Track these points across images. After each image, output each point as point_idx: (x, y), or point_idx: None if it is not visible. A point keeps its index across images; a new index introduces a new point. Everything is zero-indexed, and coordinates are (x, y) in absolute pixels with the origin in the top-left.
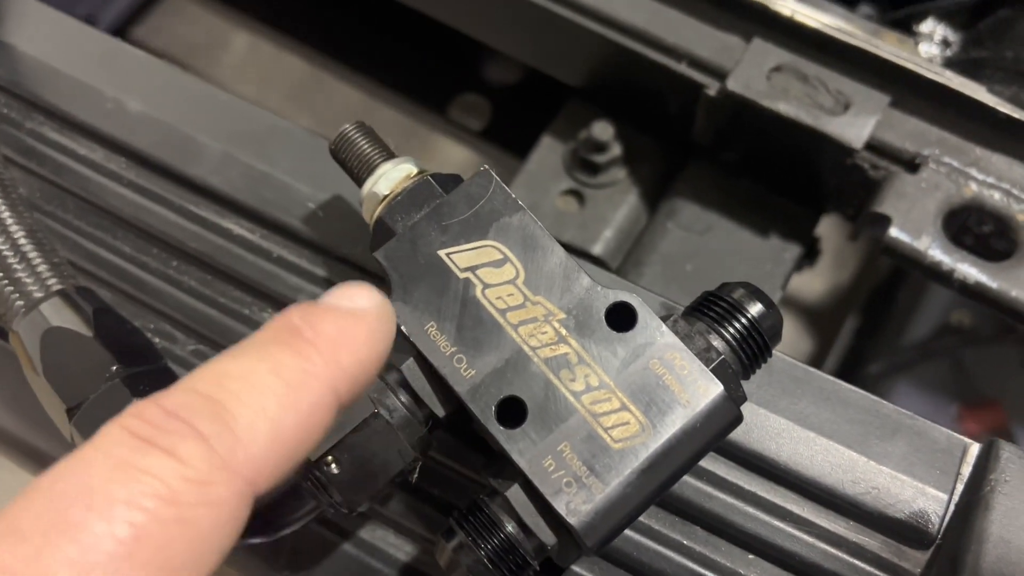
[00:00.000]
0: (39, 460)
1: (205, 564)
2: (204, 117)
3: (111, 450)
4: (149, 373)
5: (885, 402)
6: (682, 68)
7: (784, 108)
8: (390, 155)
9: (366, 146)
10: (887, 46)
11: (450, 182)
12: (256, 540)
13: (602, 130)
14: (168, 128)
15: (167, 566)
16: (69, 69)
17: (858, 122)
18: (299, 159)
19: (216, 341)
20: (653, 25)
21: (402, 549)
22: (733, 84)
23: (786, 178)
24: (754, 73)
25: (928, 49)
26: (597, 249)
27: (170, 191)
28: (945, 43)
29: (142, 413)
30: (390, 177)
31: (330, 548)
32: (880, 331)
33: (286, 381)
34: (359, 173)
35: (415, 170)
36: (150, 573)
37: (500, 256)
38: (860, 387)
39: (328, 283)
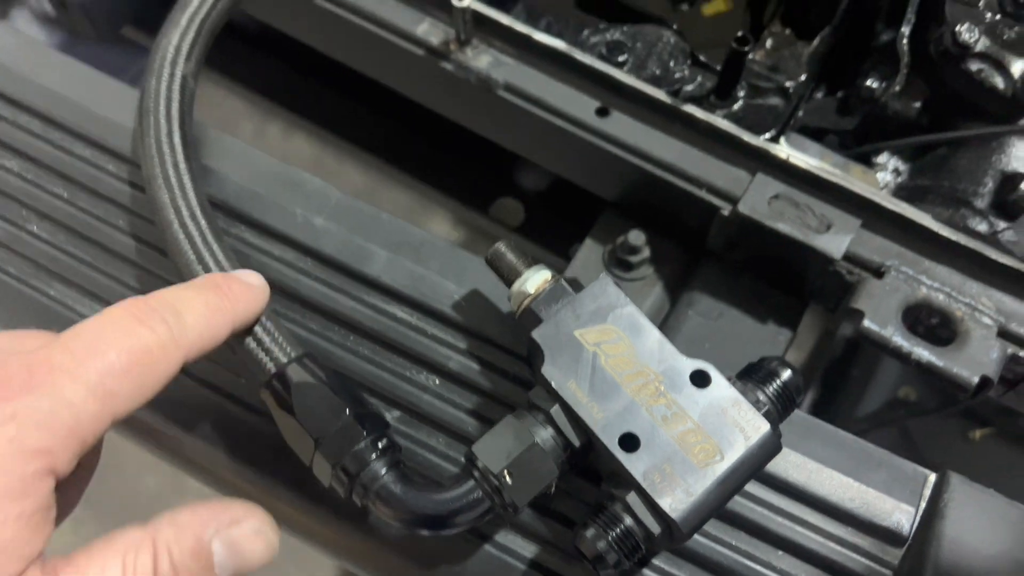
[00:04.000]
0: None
1: (152, 390)
2: (373, 230)
3: (119, 318)
4: (367, 413)
5: (870, 444)
6: (702, 194)
7: (782, 227)
8: (529, 263)
9: (512, 257)
10: (857, 181)
11: (574, 283)
12: (444, 532)
13: (636, 237)
14: (346, 237)
15: (141, 382)
16: (266, 191)
17: (837, 239)
18: (445, 262)
19: (387, 396)
20: (680, 160)
21: (527, 549)
22: (743, 208)
23: (781, 276)
24: (758, 200)
25: (884, 176)
26: None
27: (348, 284)
28: (897, 172)
29: (137, 304)
30: (534, 280)
31: (473, 549)
32: (835, 403)
33: (210, 306)
34: (508, 276)
35: (550, 275)
36: (132, 380)
37: (616, 335)
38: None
39: (470, 355)
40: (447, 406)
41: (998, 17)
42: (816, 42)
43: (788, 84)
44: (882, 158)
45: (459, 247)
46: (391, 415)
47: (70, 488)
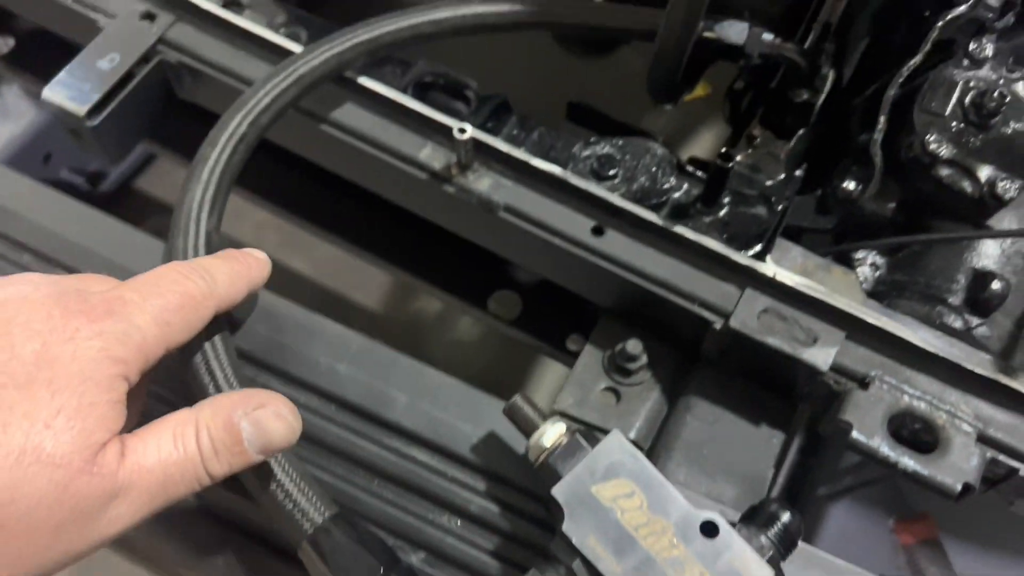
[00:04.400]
0: None
1: (195, 327)
2: (392, 375)
3: (169, 272)
4: (401, 569)
5: (855, 567)
6: (695, 308)
7: (771, 341)
8: (544, 416)
9: (529, 411)
10: (840, 297)
11: (589, 436)
12: None
13: (634, 347)
14: (368, 383)
15: (188, 319)
16: (290, 341)
17: (824, 352)
18: (462, 405)
19: (411, 538)
20: (673, 277)
21: None
22: (734, 323)
23: (772, 382)
24: (748, 314)
25: (863, 271)
26: (632, 435)
27: (370, 429)
28: (875, 266)
29: (182, 264)
30: (550, 435)
31: None
32: (823, 458)
33: (233, 271)
34: (526, 428)
35: (564, 428)
36: (182, 317)
37: (630, 489)
38: (810, 507)
39: (489, 496)
40: (469, 548)
41: (963, 126)
42: (793, 142)
43: (769, 183)
44: (861, 253)
45: (473, 387)
46: (416, 556)
47: (130, 404)
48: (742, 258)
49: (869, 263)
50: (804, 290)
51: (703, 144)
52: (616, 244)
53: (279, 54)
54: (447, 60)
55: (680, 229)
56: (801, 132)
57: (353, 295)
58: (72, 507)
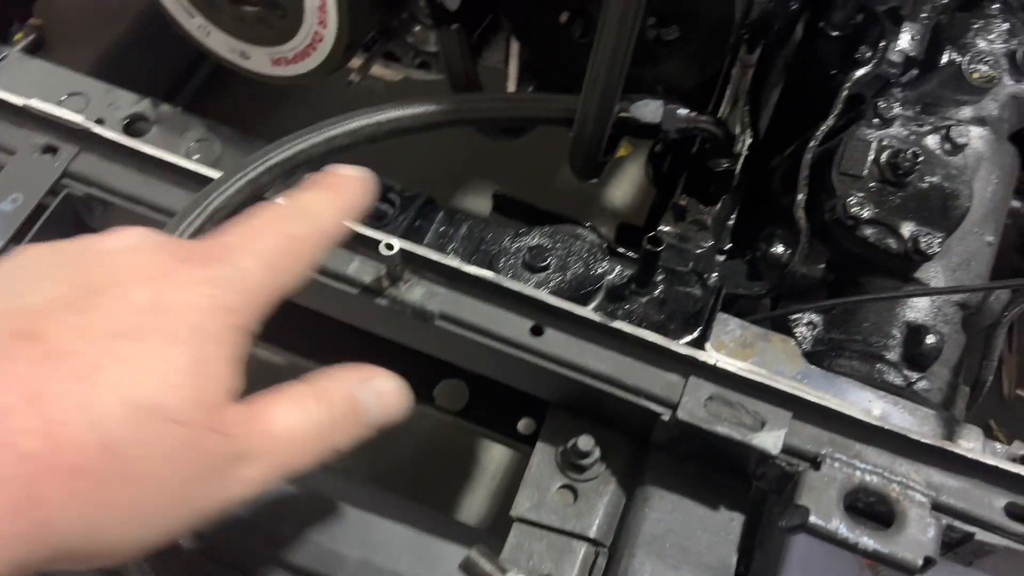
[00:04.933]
0: None
1: (304, 269)
2: (341, 533)
3: (269, 213)
4: None
5: None
6: (641, 401)
7: (720, 429)
8: (504, 570)
9: (486, 565)
10: (783, 379)
11: None
12: None
13: (585, 442)
14: (316, 543)
15: (296, 260)
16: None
17: (773, 435)
18: (416, 556)
19: None
20: (616, 372)
21: None
22: (681, 414)
23: (725, 466)
24: (694, 404)
25: (801, 331)
26: (593, 534)
27: None
28: (812, 325)
29: (280, 206)
30: None
31: None
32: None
33: (333, 205)
34: None
35: None
36: (291, 258)
37: None
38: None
39: None
40: None
41: (881, 185)
42: (719, 207)
43: (699, 251)
44: (797, 314)
45: (427, 535)
46: None
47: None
48: (682, 348)
49: (806, 323)
50: (747, 375)
51: (631, 201)
52: (556, 343)
53: (190, 178)
54: (368, 159)
55: (619, 324)
56: (725, 198)
57: None
58: (199, 464)
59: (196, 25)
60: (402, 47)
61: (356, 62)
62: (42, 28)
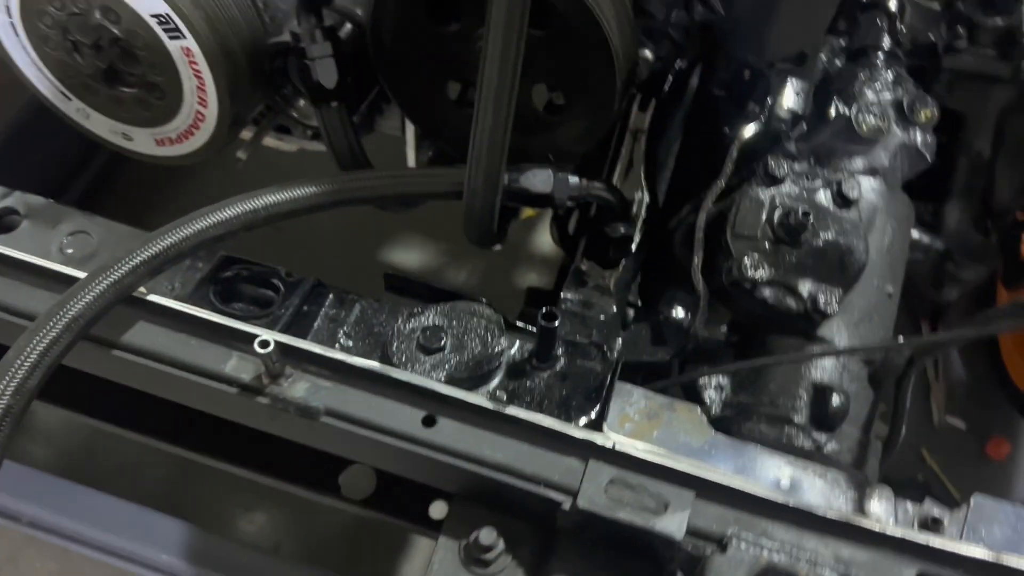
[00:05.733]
0: None
1: None
2: None
3: None
4: None
5: None
6: (540, 490)
7: (622, 516)
8: None
9: None
10: (684, 459)
11: None
12: None
13: (487, 537)
14: None
15: None
16: None
17: (676, 518)
18: None
19: None
20: (513, 460)
21: None
22: (582, 502)
23: (635, 551)
24: (595, 490)
25: (709, 394)
26: None
27: None
28: (720, 388)
29: None
30: None
31: None
32: None
33: None
34: None
35: None
36: None
37: None
38: None
39: None
40: None
41: (776, 244)
42: (620, 271)
43: (602, 317)
44: (704, 380)
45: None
46: None
47: None
48: (580, 432)
49: (714, 386)
50: (647, 456)
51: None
52: (449, 433)
53: (58, 280)
54: (254, 238)
55: (512, 410)
56: (625, 262)
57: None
58: None
59: (74, 108)
60: (291, 120)
61: (247, 134)
62: None
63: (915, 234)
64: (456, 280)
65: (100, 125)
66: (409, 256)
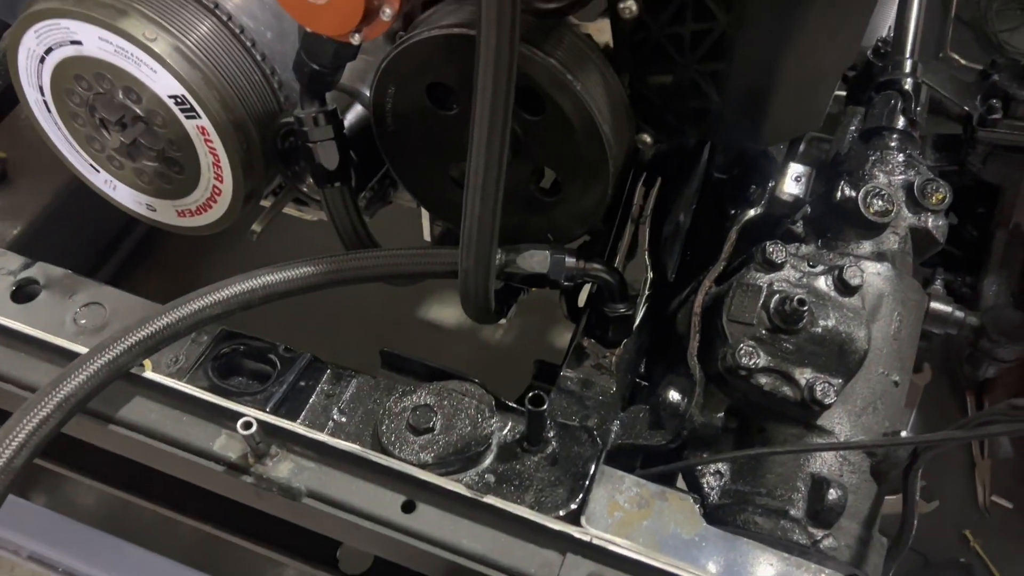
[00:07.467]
0: None
1: None
2: None
3: None
4: None
5: None
6: None
7: None
8: None
9: None
10: (663, 558)
11: None
12: None
13: None
14: None
15: None
16: None
17: None
18: None
19: None
20: (491, 551)
21: None
22: None
23: None
24: None
25: (707, 480)
26: None
27: None
28: (719, 474)
29: None
30: None
31: None
32: None
33: None
34: None
35: None
36: None
37: None
38: None
39: None
40: None
41: (773, 332)
42: (621, 351)
43: (601, 398)
44: (703, 468)
45: None
46: None
47: None
48: (557, 524)
49: (712, 472)
50: (626, 553)
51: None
52: (428, 520)
53: (62, 355)
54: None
55: (490, 499)
56: (626, 342)
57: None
58: None
59: (103, 180)
60: (304, 195)
61: (267, 203)
62: (5, 161)
63: (948, 308)
64: (466, 351)
65: (126, 196)
66: (420, 325)
